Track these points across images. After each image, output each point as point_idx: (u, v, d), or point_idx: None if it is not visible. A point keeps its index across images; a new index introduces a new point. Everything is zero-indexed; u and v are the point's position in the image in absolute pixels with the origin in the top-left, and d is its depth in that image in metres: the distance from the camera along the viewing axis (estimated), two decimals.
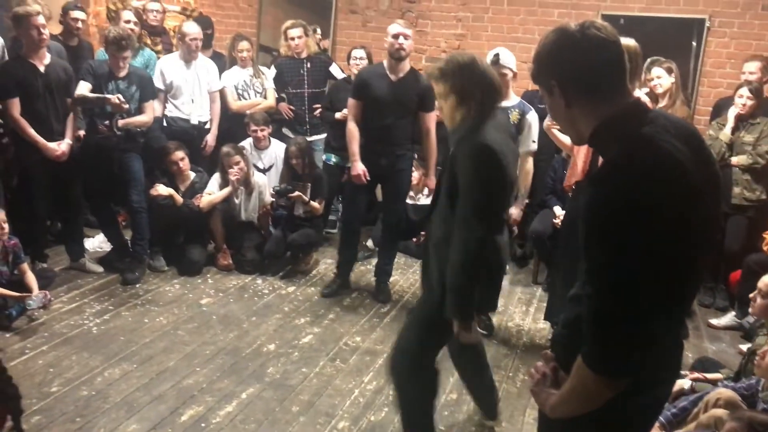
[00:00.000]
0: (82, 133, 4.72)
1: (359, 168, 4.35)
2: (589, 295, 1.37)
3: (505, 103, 3.91)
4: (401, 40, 4.18)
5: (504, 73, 3.87)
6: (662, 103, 4.23)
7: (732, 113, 4.68)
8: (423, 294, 2.84)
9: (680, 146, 1.38)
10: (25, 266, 4.03)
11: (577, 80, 1.46)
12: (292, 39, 5.57)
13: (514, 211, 4.14)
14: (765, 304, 3.16)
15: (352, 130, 4.37)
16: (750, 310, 3.27)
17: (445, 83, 2.50)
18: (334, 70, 5.74)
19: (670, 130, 1.41)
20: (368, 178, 4.38)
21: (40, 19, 4.18)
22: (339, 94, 5.38)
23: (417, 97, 4.29)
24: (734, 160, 4.69)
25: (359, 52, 5.50)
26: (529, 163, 4.21)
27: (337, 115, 5.25)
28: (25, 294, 3.85)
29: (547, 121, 3.92)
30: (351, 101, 4.41)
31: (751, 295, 3.29)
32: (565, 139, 3.88)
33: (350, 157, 4.44)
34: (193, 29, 5.15)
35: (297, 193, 4.94)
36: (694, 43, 5.64)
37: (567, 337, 1.56)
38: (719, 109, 5.16)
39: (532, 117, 4.11)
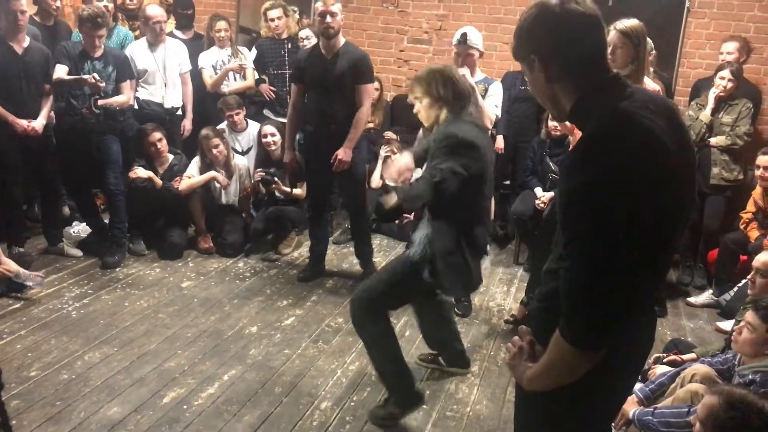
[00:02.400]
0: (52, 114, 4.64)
1: (287, 156, 4.57)
2: (566, 268, 1.37)
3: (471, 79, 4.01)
4: (328, 18, 4.14)
5: (471, 52, 3.92)
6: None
7: (712, 94, 4.71)
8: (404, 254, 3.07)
9: (659, 121, 1.39)
10: None
11: (557, 54, 1.46)
12: (272, 20, 5.52)
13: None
14: (765, 283, 3.19)
15: (290, 116, 4.49)
16: (749, 291, 3.30)
17: (419, 87, 2.90)
18: None
19: (649, 105, 1.42)
20: (295, 166, 4.62)
21: (19, 4, 4.10)
22: None
23: (350, 70, 4.21)
24: (713, 140, 4.73)
25: (306, 32, 5.43)
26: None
27: None
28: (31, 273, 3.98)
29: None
30: (292, 87, 4.49)
31: (749, 277, 3.33)
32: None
33: (285, 143, 4.60)
34: (155, 11, 5.05)
35: (279, 185, 4.94)
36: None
37: (543, 310, 1.57)
38: (698, 89, 5.20)
39: (495, 87, 4.24)
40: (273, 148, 4.95)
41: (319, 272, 4.65)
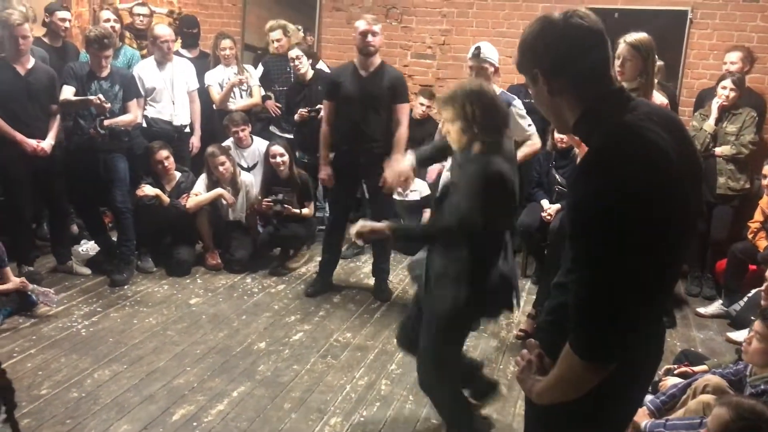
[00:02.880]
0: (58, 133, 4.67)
1: (325, 172, 4.46)
2: (575, 281, 1.37)
3: None
4: (369, 38, 4.18)
5: (485, 66, 3.88)
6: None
7: (715, 104, 4.72)
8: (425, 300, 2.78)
9: (663, 134, 1.39)
10: (8, 270, 4.01)
11: (560, 68, 1.46)
12: (273, 41, 5.64)
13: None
14: None
15: (325, 133, 4.44)
16: (762, 302, 3.29)
17: (452, 108, 2.59)
18: (321, 67, 5.73)
19: (653, 118, 1.42)
20: (332, 182, 4.48)
21: (22, 30, 4.16)
22: (294, 98, 5.41)
23: (388, 90, 4.27)
24: (718, 150, 4.74)
25: (295, 52, 5.35)
26: (534, 143, 4.03)
27: (296, 117, 5.27)
28: (46, 290, 4.05)
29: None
30: (325, 103, 4.48)
31: (763, 288, 3.32)
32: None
33: (321, 161, 4.52)
34: (164, 31, 5.13)
35: (289, 209, 4.92)
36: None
37: (551, 324, 1.57)
38: (702, 99, 5.21)
39: (517, 105, 3.98)
40: (282, 168, 4.97)
41: (327, 287, 4.65)
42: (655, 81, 3.90)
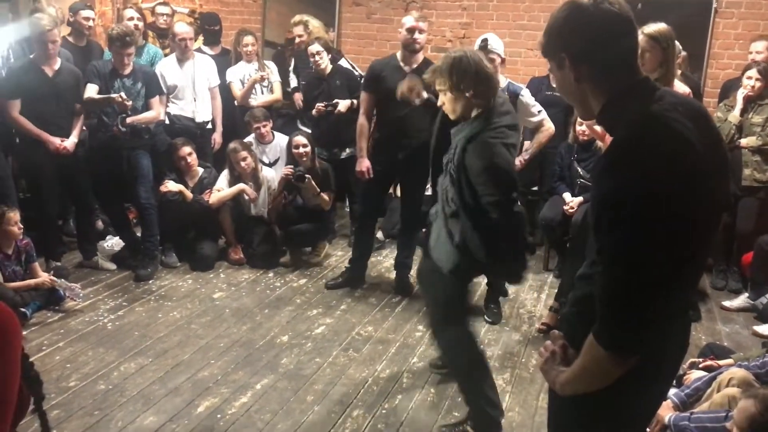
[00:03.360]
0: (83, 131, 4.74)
1: (363, 164, 4.39)
2: (600, 273, 1.37)
3: None
4: (416, 35, 4.18)
5: (492, 58, 3.89)
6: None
7: (740, 95, 4.64)
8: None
9: (688, 124, 1.37)
10: (37, 266, 4.10)
11: (588, 54, 1.44)
12: (296, 36, 5.66)
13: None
14: None
15: (362, 125, 4.40)
16: None
17: (440, 80, 2.70)
18: (344, 63, 5.74)
19: (678, 108, 1.40)
20: (371, 175, 4.40)
21: (52, 35, 4.24)
22: (312, 92, 5.39)
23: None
24: (743, 141, 4.66)
25: (316, 47, 5.24)
26: (547, 129, 4.11)
27: (313, 112, 5.26)
28: (71, 284, 4.12)
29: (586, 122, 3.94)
30: (363, 95, 4.44)
31: None
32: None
33: (357, 153, 4.47)
34: (182, 29, 5.17)
35: (311, 181, 4.90)
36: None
37: (575, 315, 1.56)
38: (727, 90, 5.13)
39: (525, 95, 4.04)
40: (304, 159, 4.99)
41: (351, 283, 4.64)
42: (678, 72, 3.87)
